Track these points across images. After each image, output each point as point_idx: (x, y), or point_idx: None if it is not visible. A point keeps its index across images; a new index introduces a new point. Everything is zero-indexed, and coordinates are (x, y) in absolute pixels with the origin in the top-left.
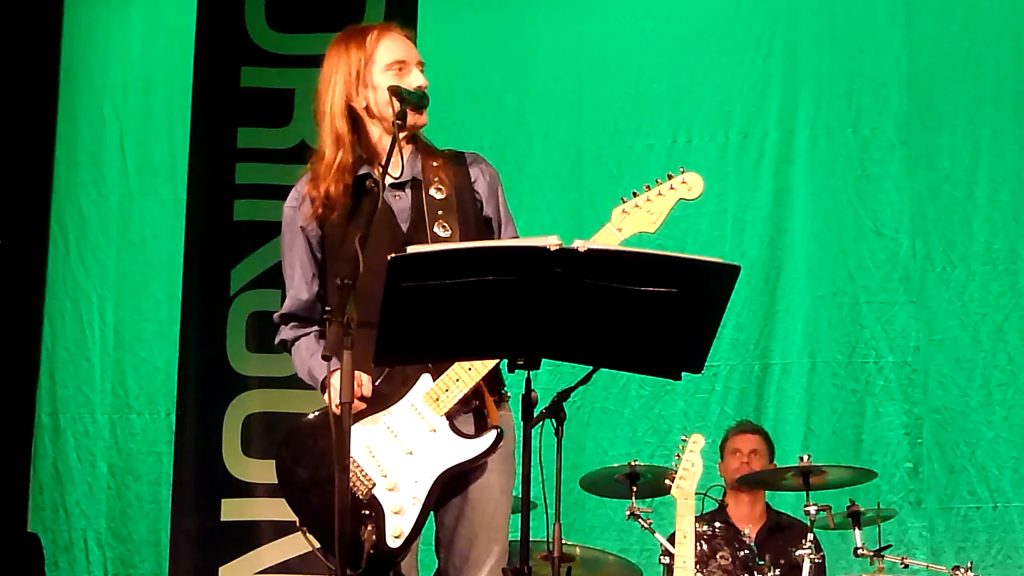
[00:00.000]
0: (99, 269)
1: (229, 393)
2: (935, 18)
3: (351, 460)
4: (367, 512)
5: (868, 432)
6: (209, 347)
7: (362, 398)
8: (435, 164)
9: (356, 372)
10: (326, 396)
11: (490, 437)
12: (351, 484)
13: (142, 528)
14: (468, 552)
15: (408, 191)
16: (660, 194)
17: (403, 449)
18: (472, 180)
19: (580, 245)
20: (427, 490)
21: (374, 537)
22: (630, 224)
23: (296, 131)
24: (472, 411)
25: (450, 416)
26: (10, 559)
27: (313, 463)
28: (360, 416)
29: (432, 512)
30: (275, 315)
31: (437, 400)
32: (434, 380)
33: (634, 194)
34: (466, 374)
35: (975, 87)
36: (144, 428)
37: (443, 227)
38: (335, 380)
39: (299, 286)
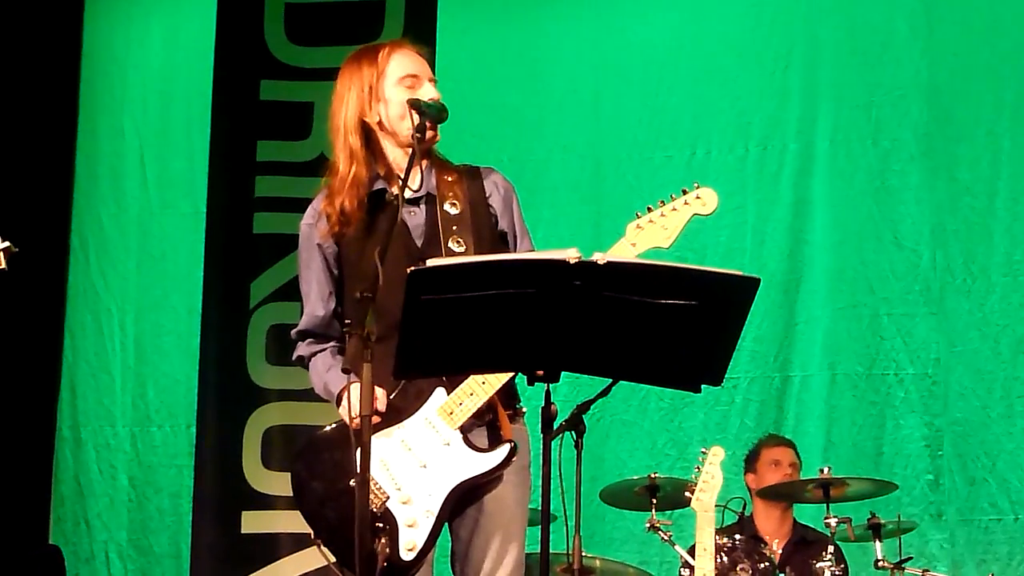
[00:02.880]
0: (119, 282)
1: (249, 406)
2: (955, 29)
3: None
4: (381, 525)
5: (888, 444)
6: (229, 360)
7: (377, 412)
8: (450, 179)
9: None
10: (341, 409)
11: (503, 451)
12: None
13: (163, 540)
14: (482, 563)
15: (423, 206)
16: (675, 209)
17: (417, 463)
18: (487, 195)
19: (599, 258)
20: (440, 503)
21: (388, 550)
22: (644, 239)
23: (315, 144)
24: (486, 425)
25: (464, 430)
26: (32, 571)
27: (328, 476)
28: (375, 430)
29: (448, 525)
30: (292, 332)
31: (451, 414)
32: (448, 394)
33: (648, 209)
34: (480, 388)
35: (995, 98)
36: (164, 441)
37: (458, 242)
38: (351, 393)
39: (316, 303)
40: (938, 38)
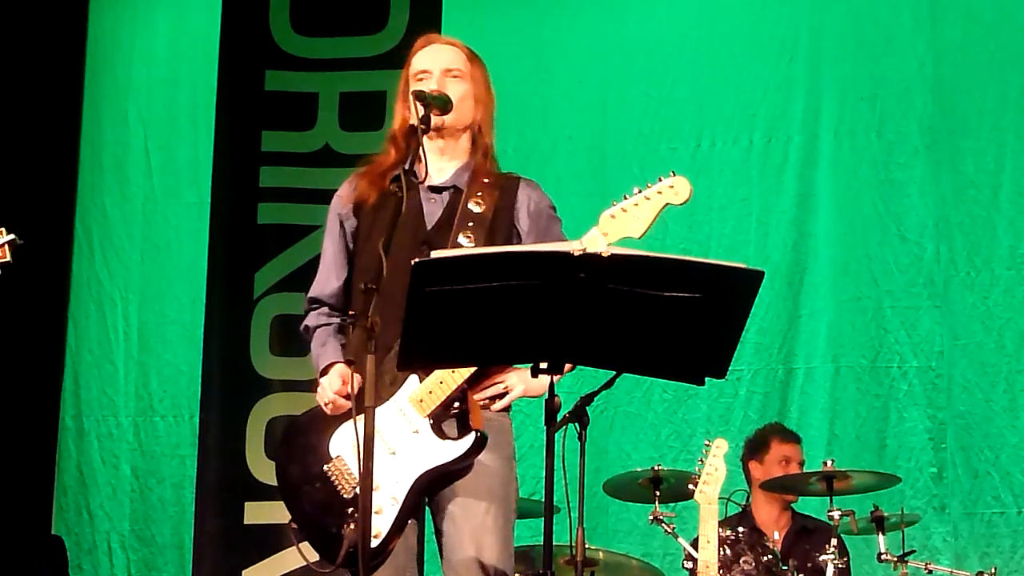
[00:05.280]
0: (123, 272)
1: (253, 396)
2: (959, 22)
3: (339, 458)
4: (352, 510)
5: (892, 437)
6: (233, 350)
7: (348, 397)
8: (486, 181)
9: (342, 369)
10: (317, 393)
11: (469, 439)
12: (337, 482)
13: (166, 531)
14: (463, 555)
15: (445, 196)
16: (647, 198)
17: (386, 449)
18: (516, 205)
19: (604, 250)
20: (406, 491)
21: (356, 536)
22: (616, 229)
23: (320, 135)
24: (456, 415)
25: (435, 418)
26: (34, 561)
27: (303, 461)
28: (348, 415)
29: (432, 519)
30: (305, 297)
31: (421, 402)
32: (420, 382)
33: (624, 197)
34: (449, 376)
35: (999, 91)
36: (168, 431)
37: (468, 238)
38: (324, 380)
39: (328, 272)
40: (942, 31)
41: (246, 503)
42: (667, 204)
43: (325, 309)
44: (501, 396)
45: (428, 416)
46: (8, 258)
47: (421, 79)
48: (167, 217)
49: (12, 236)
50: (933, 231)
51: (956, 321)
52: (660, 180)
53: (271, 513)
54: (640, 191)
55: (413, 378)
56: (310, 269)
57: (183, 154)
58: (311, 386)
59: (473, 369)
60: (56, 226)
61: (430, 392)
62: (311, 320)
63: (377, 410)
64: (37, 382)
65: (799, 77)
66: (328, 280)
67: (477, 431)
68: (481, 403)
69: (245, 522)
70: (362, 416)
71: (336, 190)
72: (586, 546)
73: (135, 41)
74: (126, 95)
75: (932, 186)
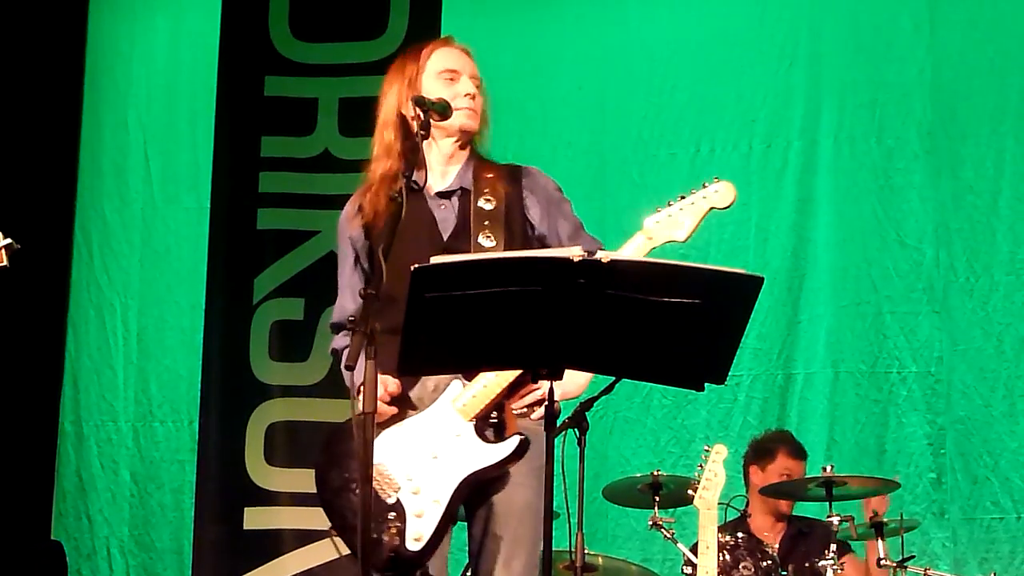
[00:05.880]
0: (122, 277)
1: (252, 401)
2: (959, 28)
3: (380, 464)
4: (394, 515)
5: (891, 442)
6: (232, 355)
7: (393, 401)
8: (489, 176)
9: (382, 377)
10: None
11: (513, 442)
12: (378, 487)
13: (165, 536)
14: (491, 566)
15: (455, 200)
16: (692, 203)
17: (429, 454)
18: (524, 194)
19: (603, 256)
20: (449, 495)
21: (396, 541)
22: (661, 232)
23: (319, 140)
24: (493, 424)
25: (477, 422)
26: (34, 566)
27: (345, 466)
28: (392, 420)
29: (467, 523)
30: (329, 324)
31: (464, 406)
32: (463, 386)
33: (669, 203)
34: (493, 380)
35: (999, 97)
36: (167, 436)
37: (488, 237)
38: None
39: (345, 296)
40: (942, 36)
41: (245, 508)
42: (712, 208)
43: (347, 332)
44: (540, 403)
45: (470, 420)
46: (6, 263)
47: (451, 79)
48: (166, 222)
49: (9, 240)
50: (932, 236)
51: (955, 326)
52: (704, 185)
53: (271, 519)
54: (684, 196)
55: (456, 383)
56: (309, 274)
57: (183, 159)
58: (310, 391)
59: (517, 373)
60: (55, 231)
61: (473, 396)
62: (337, 343)
63: (420, 414)
64: (36, 387)
65: (799, 82)
66: (345, 304)
67: (521, 435)
68: (520, 411)
69: (244, 527)
70: (406, 421)
71: (335, 195)
72: (585, 551)
73: (135, 46)
74: (126, 100)
75: (931, 191)
